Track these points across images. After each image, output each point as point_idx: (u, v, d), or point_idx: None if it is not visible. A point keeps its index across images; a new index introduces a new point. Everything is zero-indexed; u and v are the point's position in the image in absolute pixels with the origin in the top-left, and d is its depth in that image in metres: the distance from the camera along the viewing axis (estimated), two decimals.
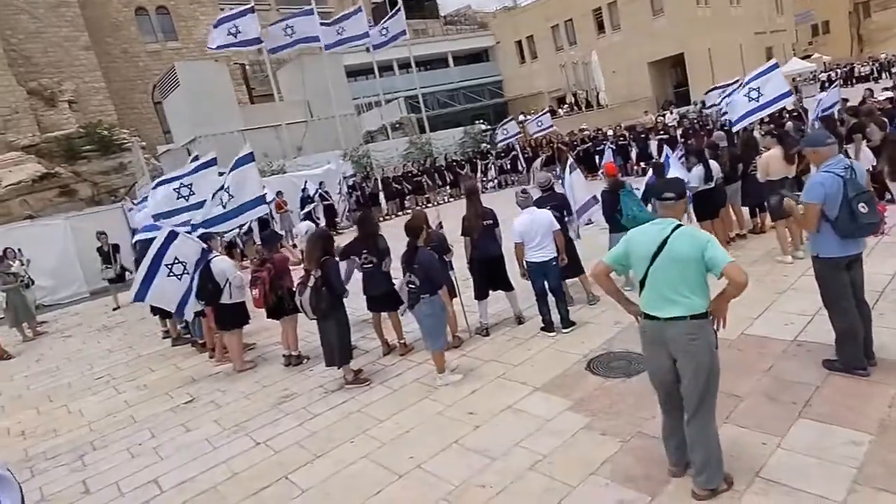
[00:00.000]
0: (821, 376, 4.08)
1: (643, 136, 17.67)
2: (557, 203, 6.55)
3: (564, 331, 5.89)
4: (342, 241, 6.40)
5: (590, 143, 18.99)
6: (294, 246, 11.69)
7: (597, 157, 17.28)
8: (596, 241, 8.42)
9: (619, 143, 17.63)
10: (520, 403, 4.56)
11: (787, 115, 14.04)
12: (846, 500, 2.91)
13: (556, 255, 5.90)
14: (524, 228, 5.85)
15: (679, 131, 17.06)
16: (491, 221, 6.23)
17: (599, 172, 15.41)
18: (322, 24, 20.87)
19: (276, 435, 4.78)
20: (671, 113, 25.41)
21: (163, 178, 8.10)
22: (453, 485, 3.62)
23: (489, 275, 6.30)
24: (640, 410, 4.08)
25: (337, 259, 5.63)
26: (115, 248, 11.54)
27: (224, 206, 6.67)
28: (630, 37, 37.05)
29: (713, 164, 7.43)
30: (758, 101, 8.14)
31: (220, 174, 7.44)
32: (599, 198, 7.03)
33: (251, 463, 4.38)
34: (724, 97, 8.82)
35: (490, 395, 4.81)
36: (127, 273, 11.66)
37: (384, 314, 6.25)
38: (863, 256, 4.09)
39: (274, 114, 22.08)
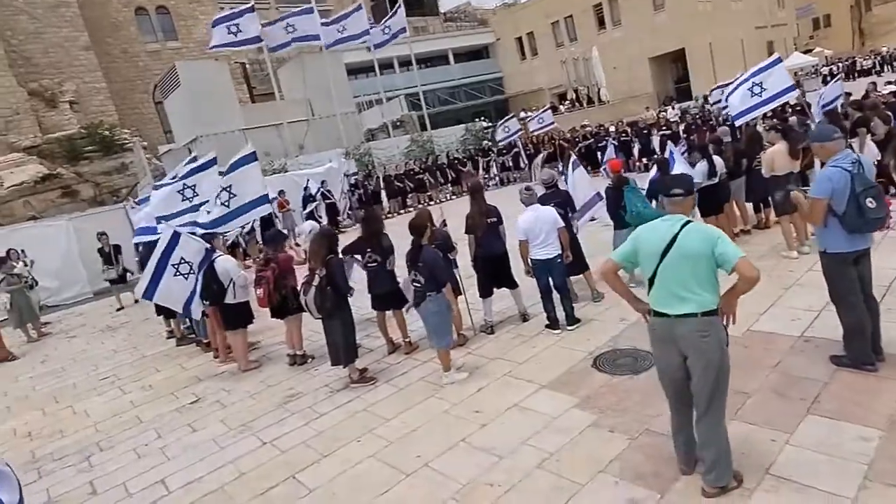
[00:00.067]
0: (829, 372, 4.06)
1: (645, 131, 17.64)
2: (561, 200, 6.53)
3: (569, 328, 5.88)
4: (345, 239, 6.40)
5: (592, 140, 18.97)
6: (297, 245, 11.67)
7: (598, 154, 17.27)
8: (599, 238, 8.42)
9: (622, 139, 17.60)
10: (526, 401, 4.55)
11: (790, 110, 13.99)
12: (857, 496, 2.90)
13: (560, 252, 5.88)
14: (528, 226, 5.83)
15: (681, 127, 17.02)
16: (495, 219, 6.22)
17: (602, 169, 15.43)
18: (323, 23, 20.83)
19: (282, 434, 4.77)
20: (672, 108, 25.36)
21: (164, 179, 8.10)
22: (461, 483, 3.61)
23: (493, 272, 6.29)
24: (647, 407, 4.07)
25: (341, 258, 5.63)
26: (117, 248, 11.54)
27: (227, 206, 6.66)
28: (631, 32, 36.95)
29: (717, 159, 7.41)
30: (761, 95, 8.11)
31: (221, 174, 7.44)
32: (603, 194, 7.03)
33: (258, 463, 4.38)
34: (728, 94, 8.76)
35: (496, 393, 4.80)
36: (128, 274, 11.70)
37: (389, 312, 6.24)
38: (870, 251, 4.07)
39: (275, 112, 22.07)
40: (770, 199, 7.01)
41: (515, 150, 20.08)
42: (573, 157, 7.90)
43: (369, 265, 5.99)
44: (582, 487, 3.36)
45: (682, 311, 2.86)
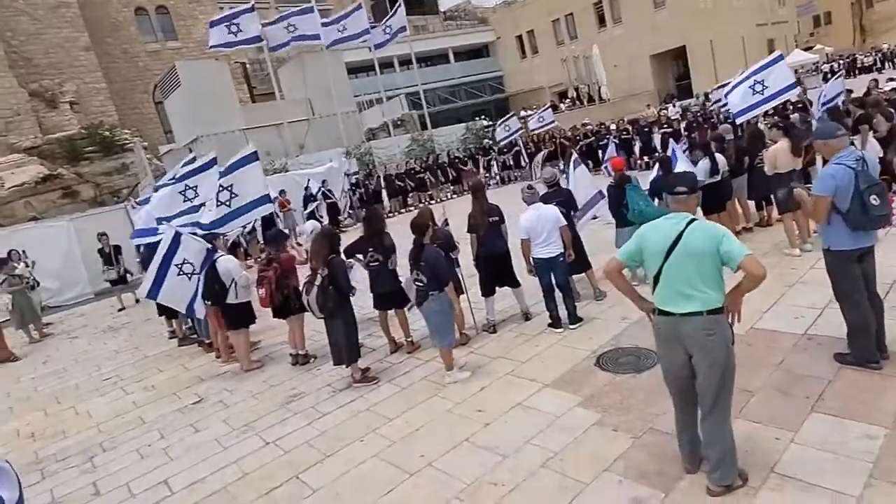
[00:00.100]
0: (833, 370, 4.05)
1: (646, 129, 17.61)
2: (563, 199, 6.52)
3: (572, 327, 5.87)
4: (346, 239, 6.39)
5: (593, 138, 18.95)
6: (299, 244, 11.68)
7: (600, 152, 17.24)
8: (601, 236, 8.40)
9: (623, 137, 17.56)
10: (529, 400, 4.54)
11: (791, 107, 13.96)
12: (863, 494, 2.89)
13: (562, 250, 5.87)
14: (530, 224, 5.82)
15: (683, 125, 17.00)
16: (497, 218, 6.21)
17: (603, 167, 15.41)
18: (323, 23, 20.82)
19: (285, 434, 4.77)
20: (673, 106, 25.35)
21: (163, 180, 8.10)
22: (465, 483, 3.61)
23: (495, 271, 6.29)
24: (650, 406, 4.06)
25: (343, 258, 5.62)
26: (117, 249, 11.55)
27: (228, 206, 6.65)
28: (631, 30, 36.93)
29: (719, 157, 7.39)
30: (762, 93, 8.07)
31: (220, 174, 7.42)
32: (605, 193, 7.01)
33: (261, 463, 4.37)
34: (727, 92, 8.72)
35: (499, 392, 4.79)
36: (128, 275, 11.71)
37: (390, 312, 6.23)
38: (874, 248, 4.06)
39: (275, 112, 22.07)
40: (773, 196, 6.98)
41: (516, 148, 20.06)
42: (575, 156, 7.88)
43: (371, 264, 5.98)
44: (586, 486, 3.35)
45: (688, 309, 2.85)
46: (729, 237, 2.81)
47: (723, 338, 2.85)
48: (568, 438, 3.89)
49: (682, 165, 7.17)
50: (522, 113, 25.69)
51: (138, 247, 9.97)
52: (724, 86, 14.89)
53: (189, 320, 8.05)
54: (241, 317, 6.52)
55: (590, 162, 16.87)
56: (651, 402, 4.10)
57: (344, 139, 21.38)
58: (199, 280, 6.51)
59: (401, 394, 5.14)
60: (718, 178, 7.29)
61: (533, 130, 20.90)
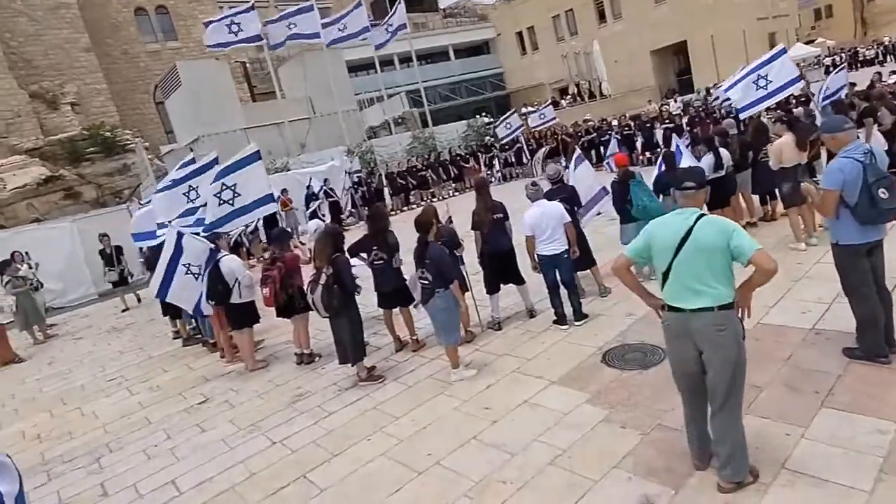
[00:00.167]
0: (842, 365, 4.03)
1: (648, 125, 17.56)
2: (567, 195, 6.49)
3: (577, 323, 5.86)
4: (348, 237, 6.37)
5: (594, 134, 18.91)
6: (302, 244, 11.67)
7: (602, 148, 17.22)
8: (605, 233, 8.40)
9: (625, 133, 17.52)
10: (536, 397, 4.53)
11: (794, 101, 13.91)
12: (874, 489, 2.88)
13: (567, 247, 5.85)
14: (535, 221, 5.80)
15: (684, 120, 16.95)
16: (501, 215, 6.19)
17: (605, 163, 15.38)
18: (324, 24, 20.79)
19: (291, 434, 4.76)
20: (675, 101, 25.27)
21: (164, 182, 8.09)
22: (473, 481, 3.60)
23: (500, 269, 6.27)
24: (658, 402, 4.05)
25: (348, 256, 5.61)
26: (119, 249, 11.56)
27: (232, 205, 6.64)
28: (632, 25, 36.82)
29: (723, 151, 7.36)
30: (766, 88, 8.04)
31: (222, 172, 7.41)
32: (609, 189, 6.99)
33: (268, 462, 4.37)
34: (728, 87, 8.68)
35: (506, 389, 4.78)
36: (130, 276, 11.73)
37: (395, 310, 6.22)
38: (883, 242, 4.03)
39: (276, 111, 22.05)
40: (778, 191, 6.95)
41: (518, 145, 20.02)
42: (577, 152, 7.85)
43: (375, 263, 5.96)
44: (595, 484, 3.34)
45: (698, 305, 2.83)
46: (739, 232, 2.78)
47: (734, 333, 2.83)
48: (576, 435, 3.88)
49: (686, 161, 7.14)
50: (523, 110, 25.63)
51: (141, 247, 9.99)
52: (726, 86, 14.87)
53: (193, 320, 8.05)
54: (244, 316, 6.51)
55: (593, 156, 16.88)
56: (659, 398, 4.09)
57: (345, 137, 21.35)
58: (202, 280, 6.51)
59: (407, 392, 5.14)
60: (722, 172, 7.26)
61: (534, 127, 20.86)
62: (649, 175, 7.47)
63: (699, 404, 3.08)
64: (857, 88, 13.21)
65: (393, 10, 22.70)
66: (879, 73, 18.22)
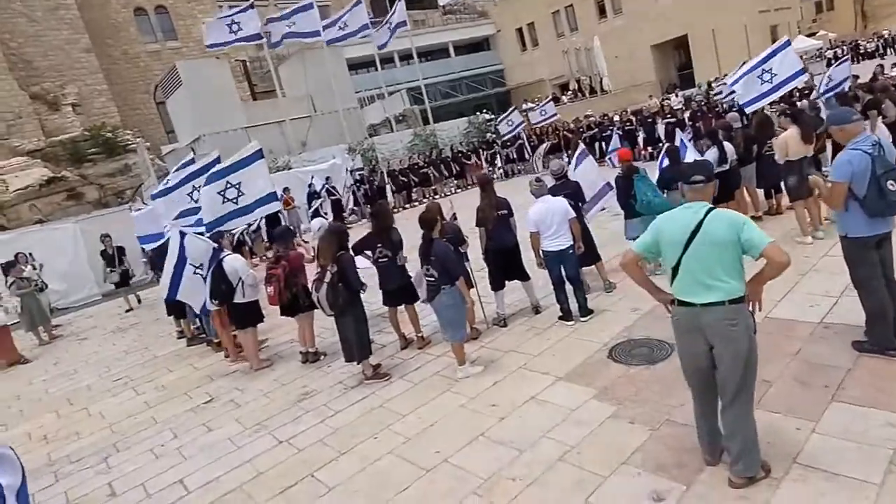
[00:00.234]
0: (851, 358, 4.01)
1: (650, 120, 17.51)
2: (571, 191, 6.47)
3: (583, 319, 5.84)
4: (350, 235, 6.35)
5: (596, 130, 18.86)
6: (305, 242, 11.69)
7: (603, 143, 17.17)
8: (608, 228, 8.38)
9: (626, 128, 17.47)
10: (543, 394, 4.51)
11: (798, 94, 13.86)
12: (884, 481, 2.86)
13: (572, 243, 5.83)
14: (539, 217, 5.78)
15: (686, 114, 16.89)
16: (505, 211, 6.17)
17: (607, 159, 15.34)
18: (325, 26, 20.76)
19: (298, 433, 4.75)
20: (676, 96, 25.18)
21: (172, 184, 8.09)
22: (482, 478, 3.58)
23: (505, 265, 6.25)
24: (666, 398, 4.03)
25: (352, 254, 5.59)
26: (120, 250, 11.58)
27: (235, 203, 6.62)
28: (632, 20, 36.67)
29: (727, 145, 7.32)
30: (771, 81, 7.99)
31: (222, 171, 7.38)
32: (613, 184, 6.97)
33: (276, 461, 4.36)
34: (734, 80, 8.63)
35: (512, 386, 4.77)
36: (131, 278, 11.74)
37: (400, 307, 6.20)
38: (892, 235, 4.00)
39: (277, 110, 22.03)
40: (784, 184, 6.91)
41: (519, 142, 19.99)
42: (581, 147, 7.82)
43: (380, 260, 5.95)
44: (605, 480, 3.33)
45: (709, 299, 2.81)
46: (750, 225, 2.76)
47: (745, 327, 2.81)
48: (584, 431, 3.86)
49: (690, 155, 7.10)
50: (524, 106, 25.59)
51: (142, 247, 10.00)
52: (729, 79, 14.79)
53: (197, 320, 8.05)
54: (248, 316, 6.50)
55: (596, 152, 16.83)
56: (667, 393, 4.07)
57: (346, 135, 21.32)
58: (207, 279, 6.50)
59: (413, 390, 5.12)
60: (727, 166, 7.22)
61: (535, 124, 20.82)
62: (651, 170, 7.44)
63: (710, 399, 3.06)
64: (859, 81, 13.15)
65: (393, 10, 22.64)
66: (882, 66, 18.12)
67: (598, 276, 6.62)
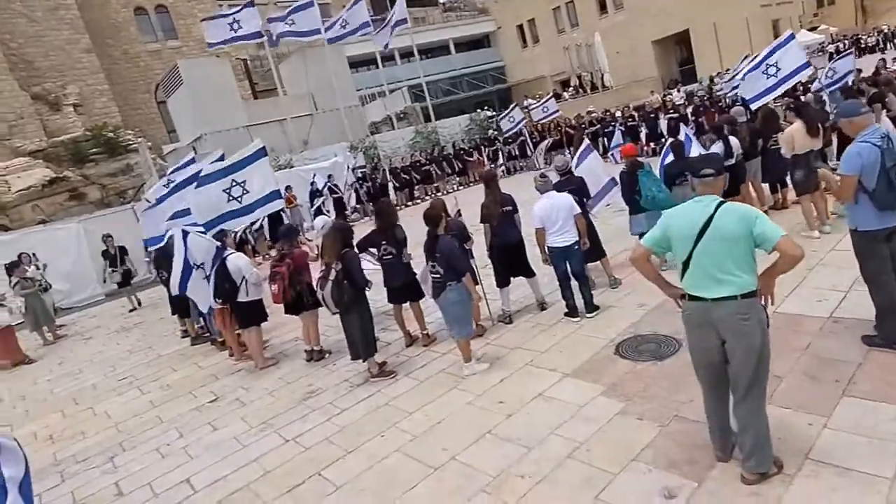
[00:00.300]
0: (861, 353, 3.98)
1: (652, 115, 17.45)
2: (576, 187, 6.44)
3: (589, 315, 5.81)
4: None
5: (598, 125, 18.80)
6: (309, 240, 11.67)
7: (605, 140, 17.12)
8: (612, 223, 8.35)
9: (629, 124, 17.41)
10: (550, 390, 4.49)
11: (801, 87, 13.79)
12: None
13: (577, 239, 5.80)
14: (544, 213, 5.76)
15: (689, 109, 16.82)
16: (510, 208, 6.14)
17: (610, 154, 15.29)
18: (327, 29, 20.71)
19: (304, 431, 4.73)
20: (678, 91, 25.08)
21: (176, 183, 8.07)
22: (491, 476, 3.56)
23: (509, 262, 6.22)
24: (675, 394, 4.01)
25: (357, 252, 5.57)
26: (122, 250, 11.57)
27: (240, 202, 6.60)
28: (633, 16, 36.54)
29: (732, 140, 7.29)
30: (776, 76, 7.96)
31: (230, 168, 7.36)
32: (618, 179, 6.93)
33: (282, 460, 4.34)
34: (744, 74, 8.59)
35: (519, 382, 4.75)
36: (133, 277, 11.74)
37: (405, 305, 6.18)
38: None
39: (278, 108, 21.98)
40: (790, 178, 6.87)
41: (521, 138, 19.94)
42: (586, 142, 7.78)
43: (385, 258, 5.93)
44: (614, 477, 3.31)
45: (720, 294, 2.78)
46: (762, 218, 2.73)
47: (758, 321, 2.78)
48: (592, 428, 3.84)
49: (695, 150, 7.07)
50: (525, 103, 25.51)
51: (146, 247, 9.99)
52: (732, 73, 14.71)
53: (201, 319, 8.03)
54: (252, 315, 6.48)
55: (600, 148, 16.78)
56: (675, 389, 4.05)
57: (348, 133, 21.28)
58: (209, 279, 6.49)
59: (419, 387, 5.10)
60: (732, 161, 7.18)
61: (538, 120, 20.75)
62: (654, 166, 7.41)
63: (721, 394, 3.04)
64: (862, 75, 13.10)
65: (393, 9, 22.57)
66: (884, 60, 18.06)
67: (604, 272, 6.59)
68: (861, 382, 3.66)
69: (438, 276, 5.01)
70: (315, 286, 5.65)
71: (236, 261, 6.42)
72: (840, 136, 7.18)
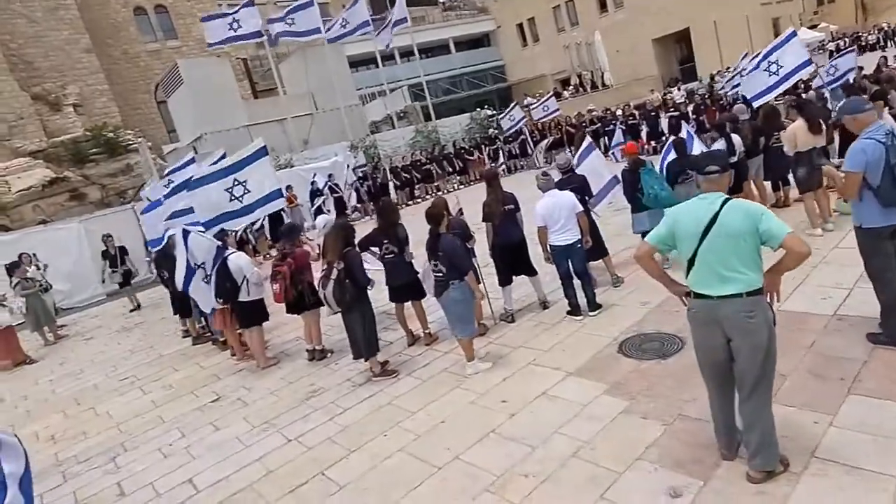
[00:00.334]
0: (866, 350, 3.96)
1: (653, 114, 17.43)
2: (578, 185, 6.42)
3: (591, 314, 5.80)
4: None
5: (598, 124, 18.78)
6: (310, 239, 11.65)
7: (606, 138, 17.10)
8: (613, 221, 8.34)
9: (629, 122, 17.39)
10: (554, 389, 4.47)
11: (802, 85, 13.76)
12: None
13: (580, 237, 5.79)
14: (547, 212, 5.74)
15: (690, 108, 16.80)
16: (512, 206, 6.12)
17: (610, 153, 15.28)
18: (327, 29, 20.69)
19: (307, 431, 4.72)
20: (678, 90, 25.06)
21: (176, 184, 8.06)
22: (495, 475, 3.55)
23: (511, 260, 6.21)
24: (679, 392, 3.99)
25: (359, 251, 5.56)
26: (122, 250, 11.55)
27: (241, 201, 6.59)
28: (633, 14, 36.52)
29: (735, 137, 7.26)
30: (777, 74, 7.95)
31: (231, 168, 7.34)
32: (620, 177, 6.91)
33: (285, 460, 4.33)
34: (748, 71, 8.57)
35: (522, 381, 4.73)
36: (133, 277, 11.73)
37: (407, 304, 6.17)
38: None
39: (278, 108, 21.95)
40: (793, 176, 6.85)
41: (522, 137, 19.93)
42: (588, 140, 7.76)
43: (387, 257, 5.91)
44: (619, 476, 3.29)
45: (726, 291, 2.76)
46: (768, 215, 2.71)
47: (764, 319, 2.76)
48: (597, 427, 3.82)
49: (697, 148, 7.05)
50: (525, 101, 25.48)
51: (148, 247, 9.99)
52: (732, 72, 14.67)
53: (203, 318, 8.02)
54: (253, 314, 6.46)
55: (601, 146, 16.76)
56: (679, 388, 4.03)
57: (348, 133, 21.26)
58: (210, 279, 6.48)
59: (422, 386, 5.09)
60: (734, 159, 7.16)
61: (538, 119, 20.74)
62: (654, 164, 7.39)
63: (727, 392, 3.02)
64: (863, 72, 13.07)
65: (393, 9, 22.54)
66: (885, 57, 18.03)
67: (606, 270, 6.58)
68: (866, 380, 3.64)
69: (441, 274, 5.00)
70: (317, 285, 5.63)
71: (237, 260, 6.40)
72: (842, 134, 7.17)
